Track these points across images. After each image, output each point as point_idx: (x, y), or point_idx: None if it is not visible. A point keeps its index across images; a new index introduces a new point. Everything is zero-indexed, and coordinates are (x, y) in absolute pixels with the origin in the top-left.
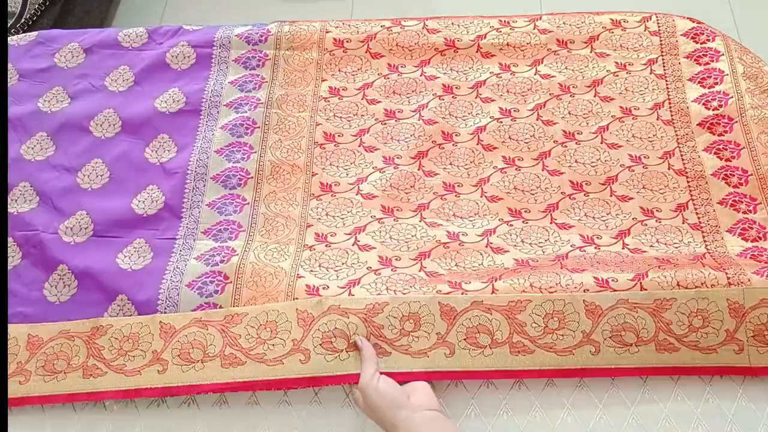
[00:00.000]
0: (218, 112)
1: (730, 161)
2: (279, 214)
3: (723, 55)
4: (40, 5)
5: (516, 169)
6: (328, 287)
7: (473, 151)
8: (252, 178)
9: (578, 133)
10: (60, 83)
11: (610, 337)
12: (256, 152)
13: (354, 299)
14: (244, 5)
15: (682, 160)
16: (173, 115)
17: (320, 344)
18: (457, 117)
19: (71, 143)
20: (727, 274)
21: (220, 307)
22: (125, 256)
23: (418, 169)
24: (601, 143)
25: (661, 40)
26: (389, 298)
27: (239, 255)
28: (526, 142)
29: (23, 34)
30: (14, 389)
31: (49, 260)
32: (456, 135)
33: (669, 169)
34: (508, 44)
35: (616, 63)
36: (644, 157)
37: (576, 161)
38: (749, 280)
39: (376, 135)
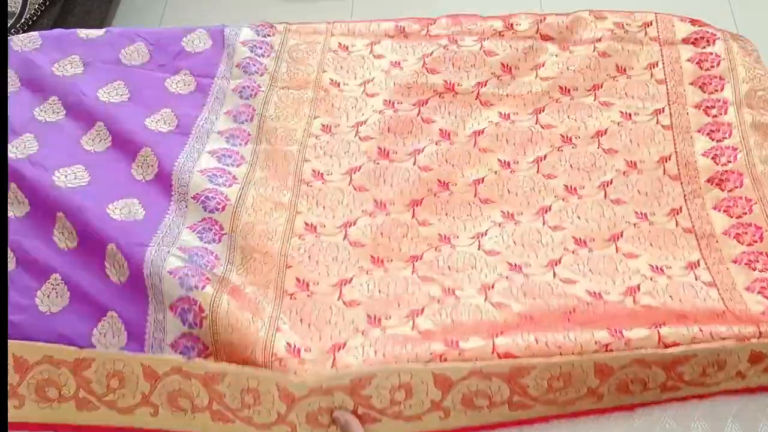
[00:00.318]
0: (208, 137)
1: (741, 218)
2: (256, 249)
3: (731, 105)
4: (40, 5)
5: (515, 223)
6: (310, 350)
7: (470, 204)
8: (231, 204)
9: (580, 188)
10: (56, 93)
11: (615, 389)
12: (239, 183)
13: (337, 375)
14: (244, 5)
15: (690, 217)
16: (162, 135)
17: (305, 421)
18: (453, 165)
19: (56, 149)
20: (759, 327)
21: (202, 345)
22: (110, 265)
23: (412, 218)
24: (605, 198)
25: (668, 89)
26: (377, 369)
27: (215, 289)
28: (526, 196)
29: (26, 36)
30: (11, 414)
31: (42, 267)
32: (453, 185)
33: (677, 226)
34: (507, 94)
35: (621, 112)
36: (650, 214)
37: (578, 217)
38: None
39: (368, 174)
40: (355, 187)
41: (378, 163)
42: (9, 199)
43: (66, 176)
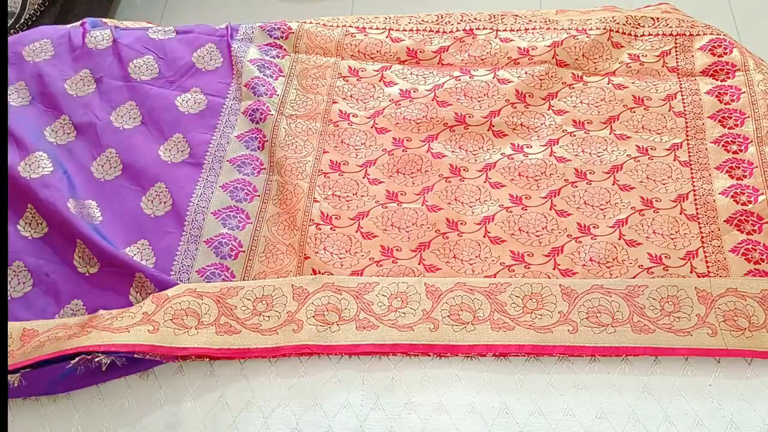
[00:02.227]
0: (220, 167)
1: (759, 264)
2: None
3: (752, 142)
4: (39, 5)
5: (525, 267)
6: None
7: (479, 245)
8: (244, 252)
9: (594, 227)
10: (68, 111)
11: (586, 318)
12: (251, 223)
13: (347, 278)
14: (244, 5)
15: (707, 262)
16: (175, 166)
17: (313, 316)
18: (463, 203)
19: (70, 175)
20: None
21: None
22: (135, 291)
23: (419, 264)
24: (619, 239)
25: (686, 122)
26: (380, 278)
27: None
28: (538, 236)
29: (38, 46)
30: None
31: (62, 292)
32: (462, 224)
33: (691, 272)
34: (521, 124)
35: (638, 147)
36: (665, 257)
37: (591, 259)
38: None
39: (376, 220)
40: (363, 234)
41: (386, 207)
42: (26, 219)
43: (81, 209)
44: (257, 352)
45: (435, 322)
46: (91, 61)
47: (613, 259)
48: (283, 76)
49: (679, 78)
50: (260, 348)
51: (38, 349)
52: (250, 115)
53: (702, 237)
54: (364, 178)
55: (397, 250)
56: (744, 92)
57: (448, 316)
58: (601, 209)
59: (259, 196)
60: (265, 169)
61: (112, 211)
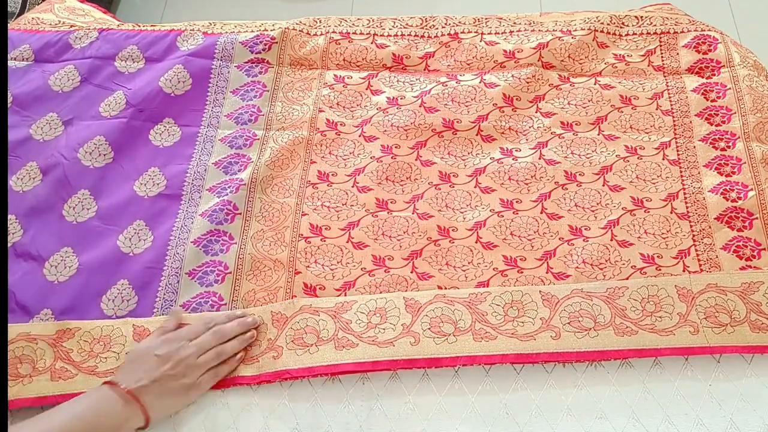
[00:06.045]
0: (200, 197)
1: (751, 260)
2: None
3: (739, 138)
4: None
5: (518, 271)
6: None
7: (472, 251)
8: (230, 273)
9: (586, 229)
10: (34, 158)
11: (568, 323)
12: (236, 243)
13: (325, 299)
14: (244, 5)
15: (699, 260)
16: (152, 200)
17: (292, 341)
18: (454, 209)
19: (40, 229)
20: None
21: None
22: None
23: (411, 272)
24: (611, 240)
25: (674, 120)
26: (358, 296)
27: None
28: (530, 240)
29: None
30: None
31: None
32: (453, 230)
33: (684, 270)
34: (510, 128)
35: (626, 147)
36: (657, 256)
37: (583, 261)
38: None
39: (366, 229)
40: (354, 245)
41: (377, 216)
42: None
43: (56, 267)
44: (241, 380)
45: (416, 336)
46: (58, 104)
47: (606, 261)
48: (267, 91)
49: (665, 76)
50: (243, 376)
51: None
52: (229, 143)
53: (693, 235)
54: (353, 186)
55: (389, 259)
56: (730, 88)
57: (429, 328)
58: (592, 211)
59: (240, 213)
60: (245, 185)
61: (88, 255)
